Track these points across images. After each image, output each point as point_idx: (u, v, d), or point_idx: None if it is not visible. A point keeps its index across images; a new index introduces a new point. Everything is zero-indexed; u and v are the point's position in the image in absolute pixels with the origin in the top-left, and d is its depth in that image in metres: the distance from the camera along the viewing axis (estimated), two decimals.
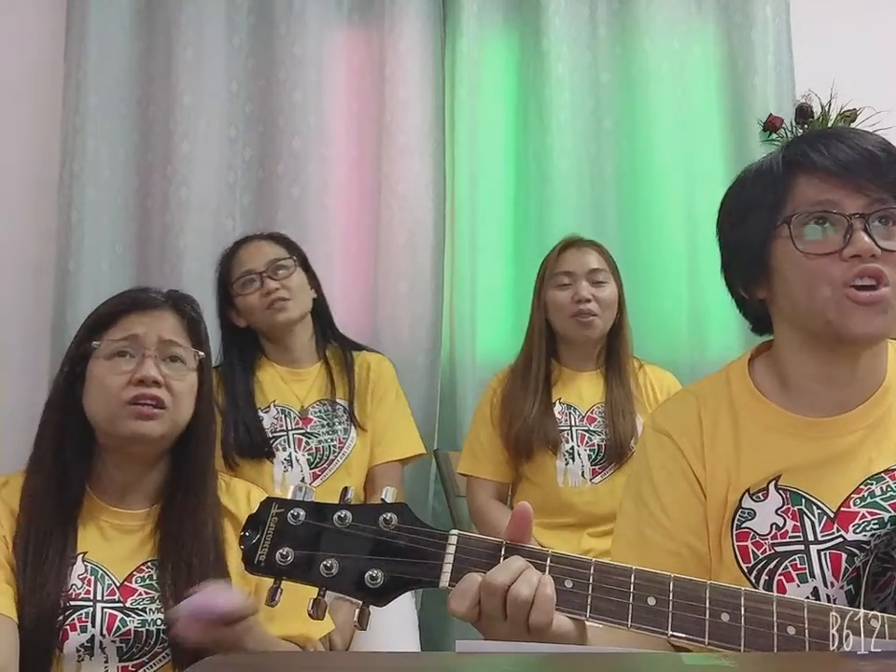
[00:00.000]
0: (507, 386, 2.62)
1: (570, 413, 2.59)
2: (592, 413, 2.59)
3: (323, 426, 2.55)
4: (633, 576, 1.02)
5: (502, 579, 1.00)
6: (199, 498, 1.60)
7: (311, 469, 2.51)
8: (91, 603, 1.50)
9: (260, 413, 2.53)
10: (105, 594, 1.52)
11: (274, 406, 2.55)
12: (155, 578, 1.55)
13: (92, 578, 1.52)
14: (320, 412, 2.57)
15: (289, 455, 2.51)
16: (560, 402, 2.59)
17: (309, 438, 2.53)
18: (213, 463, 1.67)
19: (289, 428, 2.53)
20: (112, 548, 1.56)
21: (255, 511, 1.04)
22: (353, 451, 2.55)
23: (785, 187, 1.28)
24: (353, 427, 2.56)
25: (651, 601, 1.00)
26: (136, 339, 1.57)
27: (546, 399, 2.57)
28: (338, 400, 2.58)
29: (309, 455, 2.52)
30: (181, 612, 1.38)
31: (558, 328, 2.61)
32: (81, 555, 1.54)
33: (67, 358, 1.62)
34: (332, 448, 2.54)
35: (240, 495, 1.68)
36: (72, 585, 1.50)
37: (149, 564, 1.56)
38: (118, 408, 1.54)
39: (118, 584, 1.53)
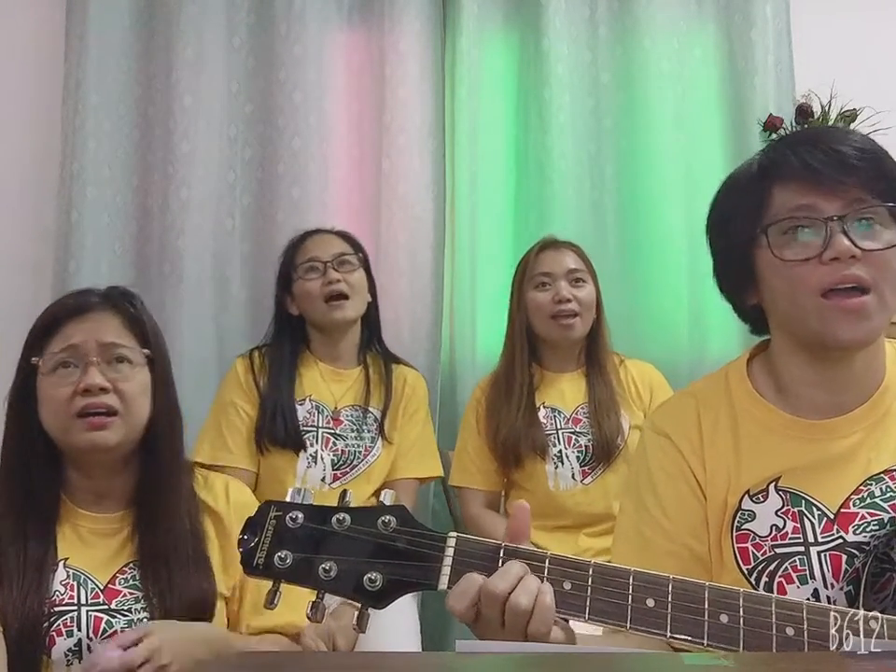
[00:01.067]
0: (490, 395, 2.62)
1: (555, 416, 2.59)
2: (576, 414, 2.59)
3: (352, 430, 2.57)
4: (632, 577, 1.02)
5: (503, 586, 1.00)
6: (172, 496, 1.59)
7: (333, 469, 2.52)
8: (75, 607, 1.50)
9: (295, 405, 2.56)
10: (90, 597, 1.51)
11: (310, 400, 2.57)
12: (138, 578, 1.54)
13: (75, 583, 1.52)
14: (351, 416, 2.59)
15: (315, 452, 2.52)
16: (544, 406, 2.60)
17: (337, 439, 2.54)
18: (183, 457, 1.65)
19: (320, 425, 2.55)
20: (92, 552, 1.56)
21: (253, 515, 1.04)
22: (377, 461, 2.57)
23: (762, 195, 1.28)
24: (380, 438, 2.58)
25: (651, 602, 1.00)
26: (76, 348, 1.54)
27: (530, 405, 2.57)
28: (370, 409, 2.60)
29: (334, 455, 2.53)
30: None
31: (539, 329, 2.61)
32: (62, 562, 1.53)
33: (17, 374, 1.58)
34: (358, 454, 2.55)
35: (218, 489, 1.67)
36: (55, 592, 1.50)
37: (131, 565, 1.56)
38: (68, 421, 1.52)
39: (101, 587, 1.53)
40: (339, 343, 2.63)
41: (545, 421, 2.57)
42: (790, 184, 1.26)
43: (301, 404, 2.56)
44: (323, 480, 2.51)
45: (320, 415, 2.56)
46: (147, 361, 1.59)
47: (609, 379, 2.61)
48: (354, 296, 2.57)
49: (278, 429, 2.50)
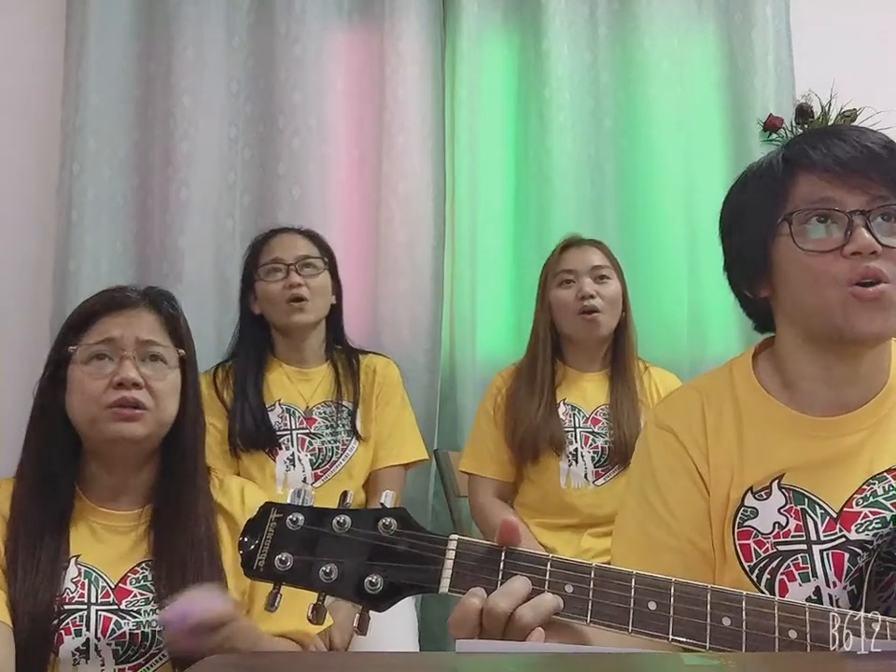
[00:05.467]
0: (512, 386, 2.62)
1: (574, 414, 2.58)
2: (596, 414, 2.58)
3: (327, 427, 2.56)
4: (633, 580, 1.01)
5: (503, 605, 0.98)
6: (191, 497, 1.59)
7: (313, 469, 2.52)
8: (84, 606, 1.50)
9: (265, 408, 2.54)
10: (100, 596, 1.51)
11: (280, 405, 2.56)
12: (150, 579, 1.55)
13: (86, 581, 1.52)
14: (325, 413, 2.57)
15: (292, 455, 2.51)
16: (564, 403, 2.59)
17: (313, 438, 2.54)
18: (203, 461, 1.66)
19: (293, 428, 2.54)
20: (105, 549, 1.56)
21: (253, 517, 1.04)
22: (355, 454, 2.56)
23: (786, 185, 1.28)
24: (354, 436, 2.57)
25: (653, 605, 0.99)
26: (113, 341, 1.56)
27: (551, 401, 2.56)
28: (343, 403, 2.59)
29: (312, 455, 2.52)
30: (164, 621, 1.39)
31: (563, 327, 2.61)
32: (74, 558, 1.53)
33: (48, 363, 1.61)
34: (335, 450, 2.54)
35: (234, 492, 1.67)
36: (65, 589, 1.50)
37: (144, 565, 1.56)
38: (98, 412, 1.53)
39: (112, 586, 1.53)
40: (302, 344, 2.61)
41: (564, 418, 2.57)
42: (815, 175, 1.26)
43: (271, 409, 2.54)
44: (304, 481, 2.50)
45: (292, 418, 2.55)
46: (179, 362, 1.61)
47: (632, 382, 2.61)
48: (314, 299, 2.55)
49: (248, 429, 2.49)
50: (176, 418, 1.60)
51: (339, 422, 2.57)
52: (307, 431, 2.54)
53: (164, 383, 1.58)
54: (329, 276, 2.62)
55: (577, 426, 2.57)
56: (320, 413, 2.57)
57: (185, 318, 1.67)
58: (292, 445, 2.52)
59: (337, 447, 2.55)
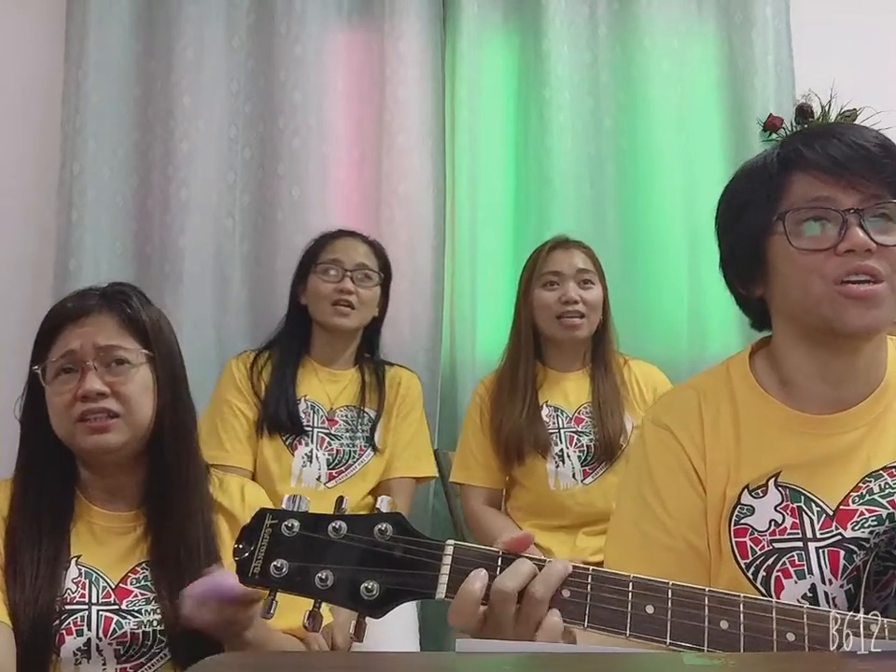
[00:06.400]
0: (494, 392, 2.62)
1: (557, 415, 2.59)
2: (579, 413, 2.59)
3: (347, 430, 2.59)
4: (631, 584, 1.01)
5: (511, 585, 0.99)
6: (181, 496, 1.58)
7: (329, 469, 2.54)
8: (86, 606, 1.50)
9: (296, 398, 2.58)
10: (101, 596, 1.52)
11: (305, 400, 2.59)
12: (150, 579, 1.54)
13: (87, 581, 1.52)
14: (347, 416, 2.60)
15: (311, 452, 2.54)
16: (547, 405, 2.60)
17: (332, 439, 2.56)
18: (196, 458, 1.63)
19: (315, 425, 2.57)
20: (105, 550, 1.56)
21: (248, 523, 1.03)
22: (370, 461, 2.59)
23: (780, 184, 1.28)
24: (370, 446, 2.59)
25: (650, 609, 0.99)
26: (73, 353, 1.53)
27: (534, 403, 2.57)
28: (366, 409, 2.62)
29: (329, 455, 2.55)
30: (192, 593, 1.38)
31: (543, 328, 2.61)
32: (75, 559, 1.53)
33: (26, 383, 1.59)
34: (352, 454, 2.57)
35: (234, 490, 1.66)
36: (66, 589, 1.50)
37: (144, 565, 1.56)
38: (70, 426, 1.52)
39: (112, 586, 1.53)
40: (337, 344, 2.65)
41: (547, 420, 2.57)
42: (810, 174, 1.26)
43: (296, 403, 2.57)
44: (319, 479, 2.53)
45: (315, 415, 2.58)
46: (147, 360, 1.58)
47: (613, 379, 2.61)
48: (360, 308, 2.59)
49: (281, 415, 2.53)
50: (157, 415, 1.57)
51: (359, 427, 2.60)
52: (328, 431, 2.57)
53: (132, 385, 1.55)
54: (379, 290, 2.66)
55: (561, 426, 2.57)
56: (342, 416, 2.60)
57: (152, 313, 1.62)
58: (311, 442, 2.55)
59: (354, 451, 2.57)
